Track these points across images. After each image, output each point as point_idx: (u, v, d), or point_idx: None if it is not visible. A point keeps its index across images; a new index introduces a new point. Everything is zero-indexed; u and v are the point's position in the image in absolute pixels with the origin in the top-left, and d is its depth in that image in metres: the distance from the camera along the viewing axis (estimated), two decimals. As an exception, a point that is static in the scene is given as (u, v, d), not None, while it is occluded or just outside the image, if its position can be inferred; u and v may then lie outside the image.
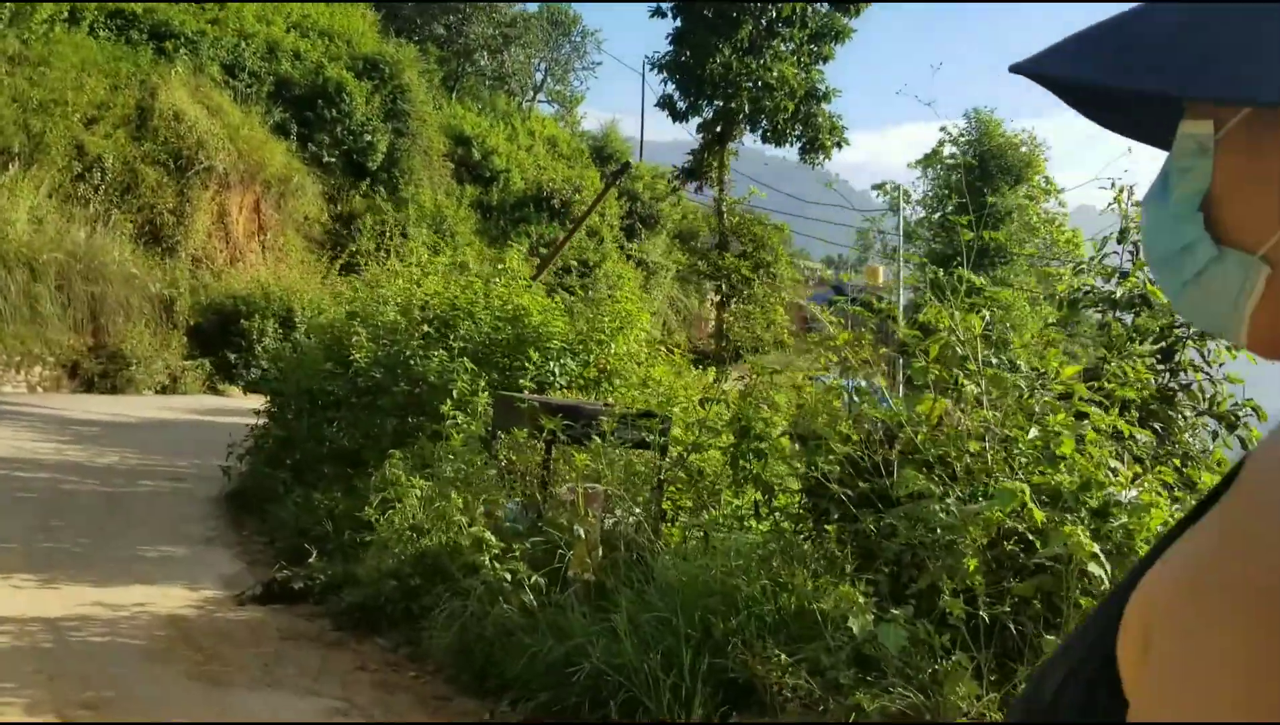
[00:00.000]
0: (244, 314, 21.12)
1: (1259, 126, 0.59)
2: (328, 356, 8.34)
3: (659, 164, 45.43)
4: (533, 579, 4.00)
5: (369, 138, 28.35)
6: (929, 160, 44.88)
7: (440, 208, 29.47)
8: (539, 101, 47.36)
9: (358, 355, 7.02)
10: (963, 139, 23.77)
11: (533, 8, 43.52)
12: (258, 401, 19.64)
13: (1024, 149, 24.67)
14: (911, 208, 45.07)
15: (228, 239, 24.58)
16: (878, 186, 54.71)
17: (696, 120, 16.12)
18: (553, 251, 20.46)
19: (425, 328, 7.17)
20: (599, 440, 4.66)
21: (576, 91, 49.33)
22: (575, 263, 32.55)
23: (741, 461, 4.68)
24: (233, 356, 20.71)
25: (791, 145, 15.77)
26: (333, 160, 28.00)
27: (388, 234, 28.08)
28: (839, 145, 17.60)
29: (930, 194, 46.63)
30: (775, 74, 15.01)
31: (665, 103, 16.24)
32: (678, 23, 15.68)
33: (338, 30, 30.83)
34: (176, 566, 6.42)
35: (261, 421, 9.71)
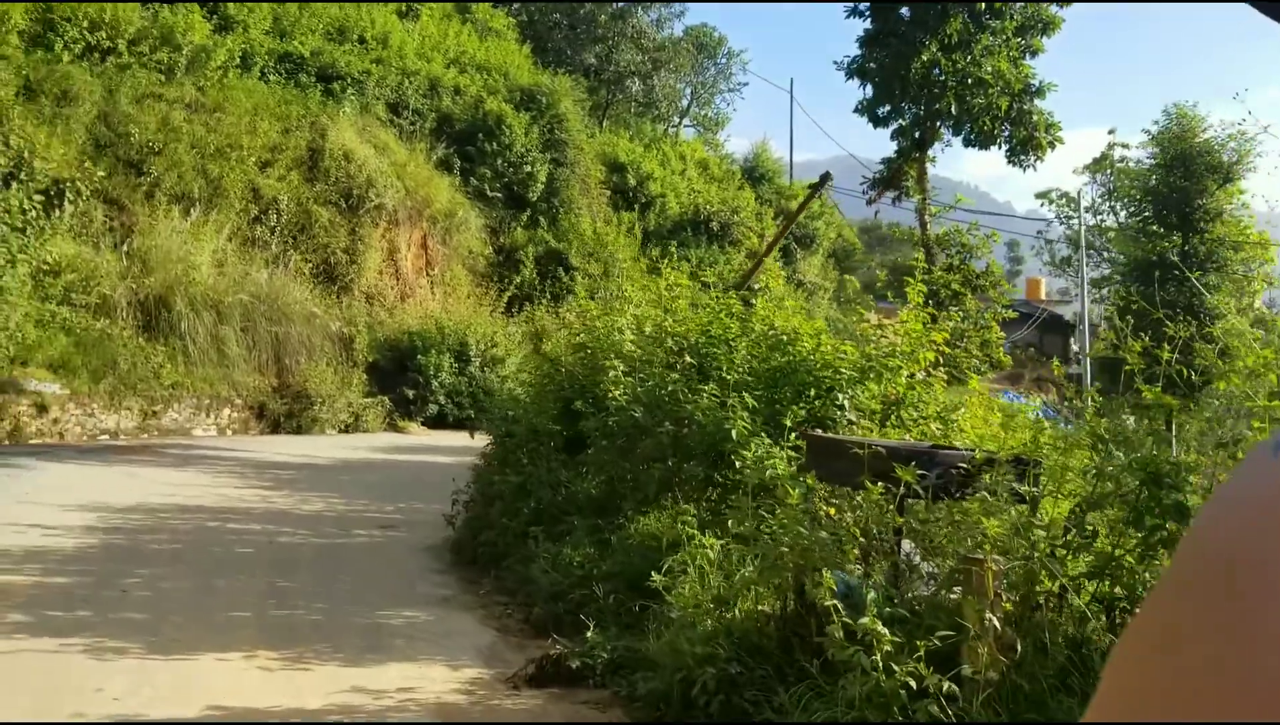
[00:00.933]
0: (419, 349, 20.98)
1: None
2: (559, 395, 7.66)
3: (803, 181, 44.36)
4: (945, 687, 3.12)
5: (529, 168, 28.22)
6: (1099, 165, 42.47)
7: (600, 236, 29.07)
8: (685, 126, 46.98)
9: (614, 392, 6.27)
10: (1163, 136, 21.95)
11: (679, 32, 43.21)
12: (439, 437, 19.69)
13: (1231, 145, 22.64)
14: (1079, 215, 42.81)
15: (397, 275, 24.65)
16: (1042, 195, 52.05)
17: (891, 126, 15.10)
18: (757, 261, 19.61)
19: (685, 359, 6.37)
20: (989, 496, 3.76)
21: (722, 114, 48.77)
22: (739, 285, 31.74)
23: (1151, 519, 3.72)
24: (410, 392, 20.57)
25: (1000, 147, 14.57)
26: (494, 193, 27.94)
27: (549, 265, 27.83)
28: (1053, 144, 16.26)
29: (1100, 201, 44.17)
30: (988, 69, 13.88)
31: (864, 108, 15.21)
32: (868, 24, 14.72)
33: (494, 64, 30.94)
34: (424, 636, 5.78)
35: (477, 463, 9.13)
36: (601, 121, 36.32)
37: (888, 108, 14.93)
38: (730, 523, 5.19)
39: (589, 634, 4.98)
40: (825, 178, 17.24)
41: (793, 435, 5.36)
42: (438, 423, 20.85)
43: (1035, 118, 15.30)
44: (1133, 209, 25.75)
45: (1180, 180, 21.58)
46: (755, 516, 4.75)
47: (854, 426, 5.83)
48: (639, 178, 33.19)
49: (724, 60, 46.22)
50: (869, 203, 15.52)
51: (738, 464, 5.41)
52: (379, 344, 21.29)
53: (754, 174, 39.83)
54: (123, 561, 7.28)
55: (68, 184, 15.86)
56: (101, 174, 17.03)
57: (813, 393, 5.93)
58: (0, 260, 14.18)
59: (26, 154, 14.93)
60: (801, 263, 37.94)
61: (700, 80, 45.64)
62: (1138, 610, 0.53)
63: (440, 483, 12.58)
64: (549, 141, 29.30)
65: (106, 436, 15.37)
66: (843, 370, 5.77)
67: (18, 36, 18.65)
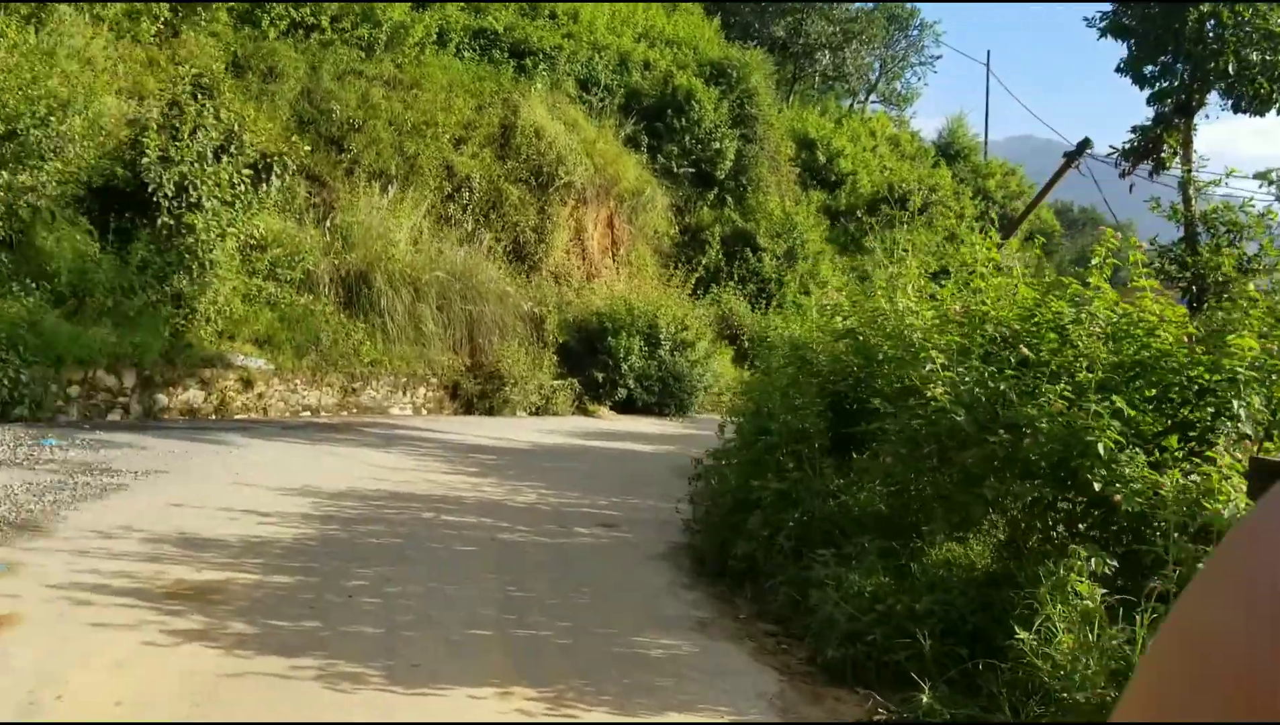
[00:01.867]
0: (608, 331, 20.36)
1: None
2: (823, 389, 6.70)
3: (998, 158, 41.90)
4: None
5: (717, 145, 27.27)
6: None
7: (789, 215, 27.90)
8: (872, 101, 45.14)
9: (934, 390, 5.20)
10: None
11: (870, 5, 41.37)
12: (631, 423, 19.07)
13: None
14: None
15: (584, 255, 24.15)
16: (1261, 175, 48.41)
17: (1150, 90, 13.42)
18: (1014, 225, 18.22)
19: (1020, 350, 5.22)
20: None
21: (911, 89, 46.63)
22: (939, 269, 30.03)
23: None
24: (599, 375, 19.99)
25: (1278, 111, 12.78)
26: (681, 170, 27.12)
27: (736, 245, 26.86)
28: None
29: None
30: (1277, 20, 12.11)
31: (1128, 65, 13.58)
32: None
33: (683, 38, 30.08)
34: (693, 674, 4.94)
35: (703, 459, 8.28)
36: (789, 96, 35.02)
37: (1155, 67, 13.27)
38: (1094, 562, 4.14)
39: (924, 696, 4.02)
40: (1084, 145, 15.62)
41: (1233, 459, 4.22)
42: (627, 407, 20.22)
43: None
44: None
45: None
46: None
47: (1251, 443, 4.67)
48: (829, 154, 31.84)
49: (916, 32, 44.06)
50: (1123, 175, 13.93)
51: (1096, 486, 4.34)
52: (568, 325, 20.79)
53: (949, 151, 37.79)
54: (344, 558, 6.73)
55: (274, 158, 15.81)
56: (307, 148, 16.96)
57: (1177, 397, 4.78)
58: (211, 233, 14.15)
59: (236, 127, 14.89)
60: (969, 249, 35.79)
61: (890, 54, 43.65)
62: (1172, 608, 0.53)
63: (649, 474, 11.88)
64: (738, 117, 28.28)
65: (308, 413, 15.28)
66: (1239, 370, 4.59)
67: (226, 13, 18.85)
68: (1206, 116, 14.60)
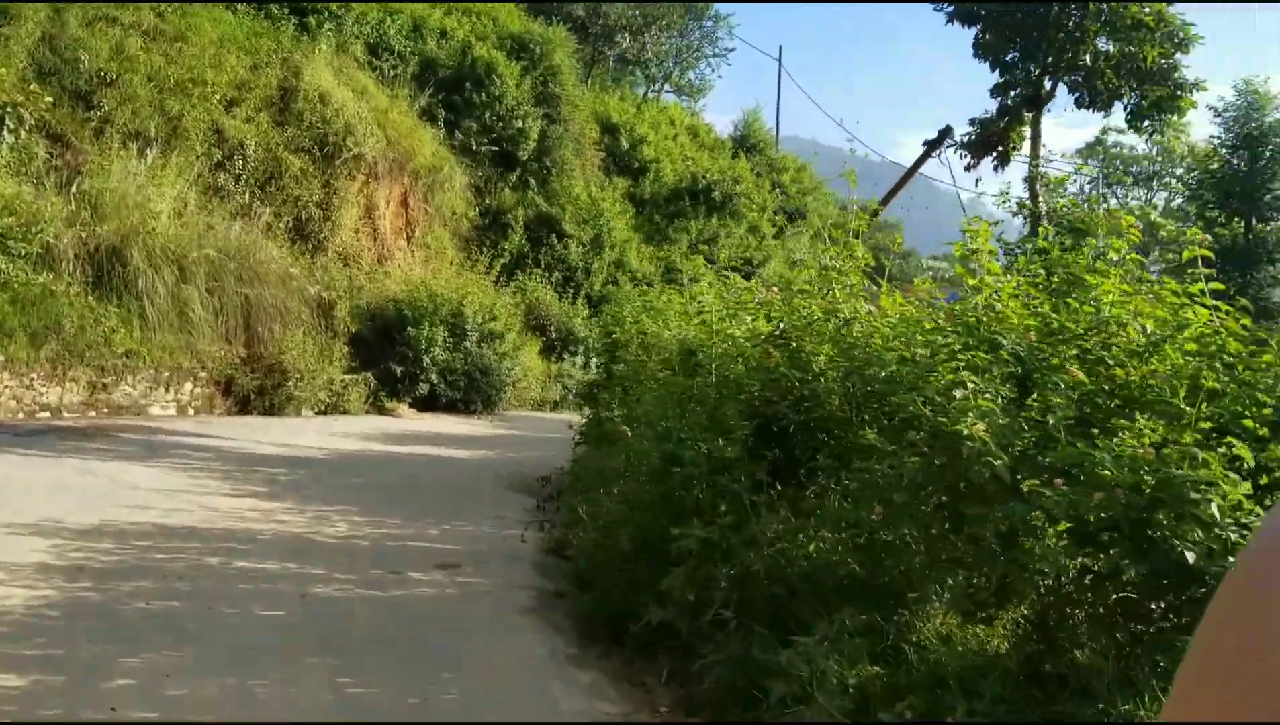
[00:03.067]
0: (408, 320, 18.40)
1: None
2: (751, 406, 5.27)
3: (792, 153, 42.13)
4: None
5: (519, 124, 25.58)
6: (1092, 151, 40.95)
7: (596, 201, 26.58)
8: (666, 91, 44.44)
9: (975, 430, 3.78)
10: (1227, 114, 20.03)
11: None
12: (437, 423, 17.11)
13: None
14: (1064, 199, 41.29)
15: (375, 235, 21.97)
16: (1002, 194, 50.58)
17: (999, 80, 12.87)
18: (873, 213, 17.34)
19: (1076, 372, 3.94)
20: None
21: (706, 80, 46.36)
22: (740, 262, 29.46)
23: None
24: (398, 369, 18.01)
25: (1127, 105, 12.45)
26: (481, 149, 25.28)
27: (540, 230, 25.29)
28: (1193, 105, 14.07)
29: (1090, 187, 42.64)
30: (1146, 9, 11.66)
31: (984, 49, 12.93)
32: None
33: (482, 9, 28.14)
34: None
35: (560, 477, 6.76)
36: (588, 79, 33.68)
37: (1017, 51, 12.72)
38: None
39: None
40: (945, 133, 15.00)
41: None
42: (429, 404, 18.34)
43: (1177, 73, 13.14)
44: (1189, 193, 23.88)
45: (1247, 162, 19.74)
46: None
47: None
48: (632, 141, 30.72)
49: (710, 23, 43.66)
50: (967, 169, 13.43)
51: (1191, 556, 3.15)
52: (361, 312, 18.67)
53: (745, 144, 37.47)
54: (101, 637, 4.83)
55: (7, 110, 13.07)
56: (49, 99, 14.20)
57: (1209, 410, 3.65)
58: (-82, 195, 11.39)
59: (-46, 67, 12.11)
60: (790, 240, 35.69)
61: (685, 43, 43.06)
62: (1208, 609, 0.52)
63: (473, 488, 10.21)
64: (541, 96, 26.67)
65: (47, 414, 12.70)
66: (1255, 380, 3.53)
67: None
68: (1049, 110, 14.28)
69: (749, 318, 6.30)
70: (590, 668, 4.99)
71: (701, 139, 36.25)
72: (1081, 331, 4.20)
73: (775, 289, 5.60)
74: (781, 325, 5.14)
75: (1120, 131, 34.15)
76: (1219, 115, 20.70)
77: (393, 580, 6.43)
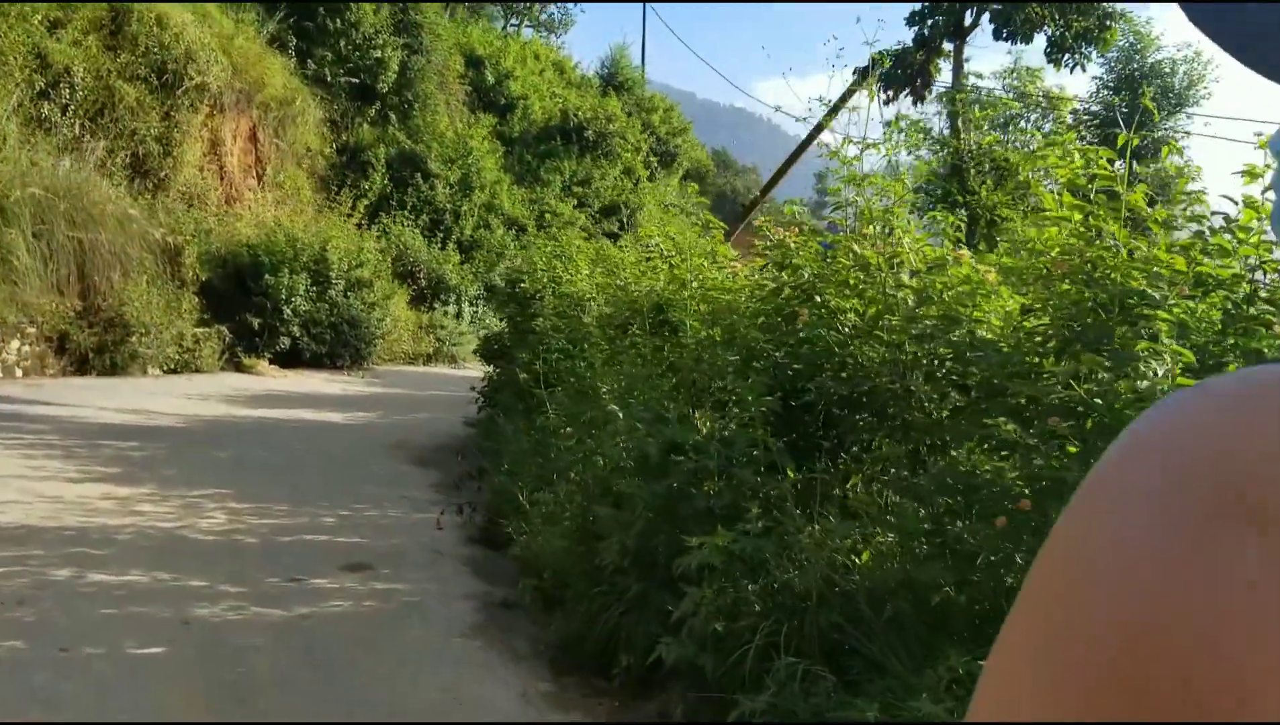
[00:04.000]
0: (265, 267, 16.72)
1: None
2: (778, 379, 4.24)
3: (662, 95, 41.03)
4: None
5: (378, 54, 23.73)
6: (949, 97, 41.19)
7: (462, 138, 24.99)
8: (526, 27, 42.59)
9: None
10: (1109, 54, 19.81)
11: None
12: (303, 381, 15.46)
13: (1183, 70, 20.88)
14: (926, 144, 41.55)
15: (222, 173, 20.01)
16: (891, 122, 51.33)
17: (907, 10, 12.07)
18: (786, 165, 16.33)
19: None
20: None
21: (567, 15, 44.68)
22: (616, 204, 28.38)
23: None
24: (255, 321, 16.35)
25: (1051, 32, 11.79)
26: (337, 80, 23.37)
27: (404, 170, 23.62)
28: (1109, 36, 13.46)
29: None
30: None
31: None
32: None
33: (335, -74, 25.87)
34: None
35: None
36: (447, 10, 31.73)
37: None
38: None
39: None
40: (877, 61, 14.01)
41: None
42: (292, 359, 16.78)
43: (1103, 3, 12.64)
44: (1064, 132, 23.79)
45: (1127, 104, 19.67)
46: None
47: None
48: (498, 75, 29.09)
49: (572, -46, 41.92)
50: (887, 102, 12.69)
51: None
52: (212, 259, 16.87)
53: (613, 82, 36.15)
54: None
55: None
56: None
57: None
58: None
59: None
60: (660, 182, 34.71)
61: (545, -25, 41.28)
62: (1016, 602, 0.49)
63: (361, 461, 9.01)
64: (401, 24, 24.78)
65: None
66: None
67: None
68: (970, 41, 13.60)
69: (728, 266, 5.31)
70: (574, 709, 3.97)
71: (569, 76, 34.79)
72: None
73: (795, 228, 4.59)
74: (807, 274, 4.16)
75: (980, 76, 34.16)
76: (1102, 55, 20.54)
77: (293, 592, 5.25)
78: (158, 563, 5.52)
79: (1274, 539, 0.42)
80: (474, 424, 11.32)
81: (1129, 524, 0.45)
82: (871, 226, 4.26)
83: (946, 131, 12.15)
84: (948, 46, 12.91)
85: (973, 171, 11.70)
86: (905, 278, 3.89)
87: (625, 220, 27.32)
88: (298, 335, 16.70)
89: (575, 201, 27.30)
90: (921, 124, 11.66)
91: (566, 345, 7.01)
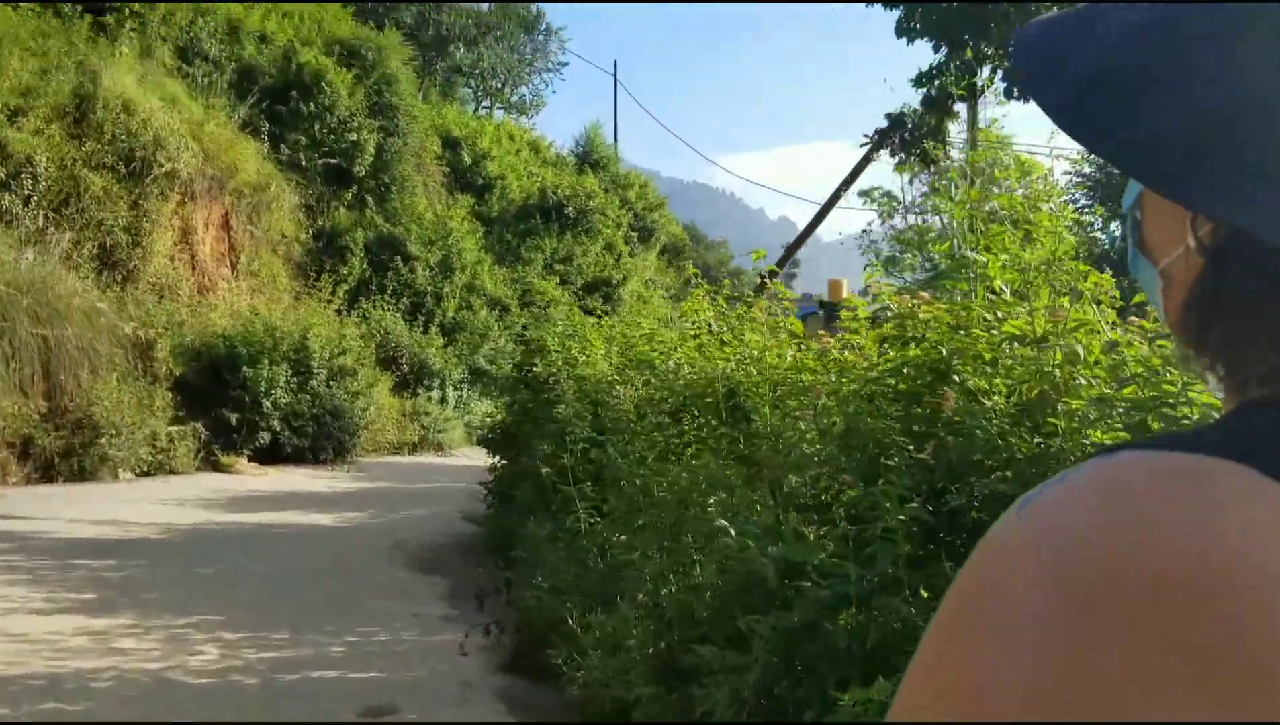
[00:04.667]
0: (242, 358, 15.87)
1: None
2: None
3: (635, 168, 40.81)
4: None
5: (353, 136, 23.20)
6: (923, 163, 41.25)
7: (442, 220, 24.39)
8: (498, 109, 42.40)
9: None
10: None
11: (488, 5, 38.54)
12: (286, 479, 14.40)
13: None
14: (899, 215, 41.59)
15: (194, 263, 19.25)
16: (864, 193, 50.97)
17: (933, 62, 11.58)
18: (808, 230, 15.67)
19: None
20: None
21: (540, 96, 44.53)
22: (599, 281, 27.78)
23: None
24: (232, 416, 15.45)
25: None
26: (311, 164, 22.77)
27: (382, 254, 22.94)
28: None
29: (923, 200, 43.06)
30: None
31: (910, 32, 11.53)
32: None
33: (305, 9, 25.48)
34: None
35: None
36: (422, 89, 31.40)
37: (941, 42, 11.40)
38: None
39: None
40: (898, 122, 13.45)
41: None
42: (272, 455, 15.85)
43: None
44: (1064, 197, 23.58)
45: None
46: None
47: None
48: (475, 156, 28.65)
49: (543, 35, 41.95)
50: (897, 169, 12.11)
51: None
52: (185, 352, 16.01)
53: (588, 160, 35.82)
54: None
55: None
56: None
57: None
58: None
59: None
60: (638, 258, 34.21)
61: (517, 57, 41.18)
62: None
63: (362, 570, 8.13)
64: (376, 106, 24.30)
65: None
66: None
67: None
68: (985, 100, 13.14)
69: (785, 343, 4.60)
70: None
71: (544, 155, 34.45)
72: None
73: (924, 294, 3.88)
74: (945, 351, 3.43)
75: (950, 145, 34.12)
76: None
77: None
78: (146, 714, 4.63)
79: (1147, 631, 0.46)
80: (476, 520, 10.47)
81: (1002, 647, 0.48)
82: (1009, 285, 3.56)
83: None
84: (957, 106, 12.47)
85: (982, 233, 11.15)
86: (1079, 351, 3.17)
87: (609, 296, 26.68)
88: (278, 429, 15.79)
89: (558, 279, 26.70)
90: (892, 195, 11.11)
91: (596, 435, 6.24)
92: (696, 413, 5.11)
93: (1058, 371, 3.23)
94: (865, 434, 3.47)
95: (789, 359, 4.73)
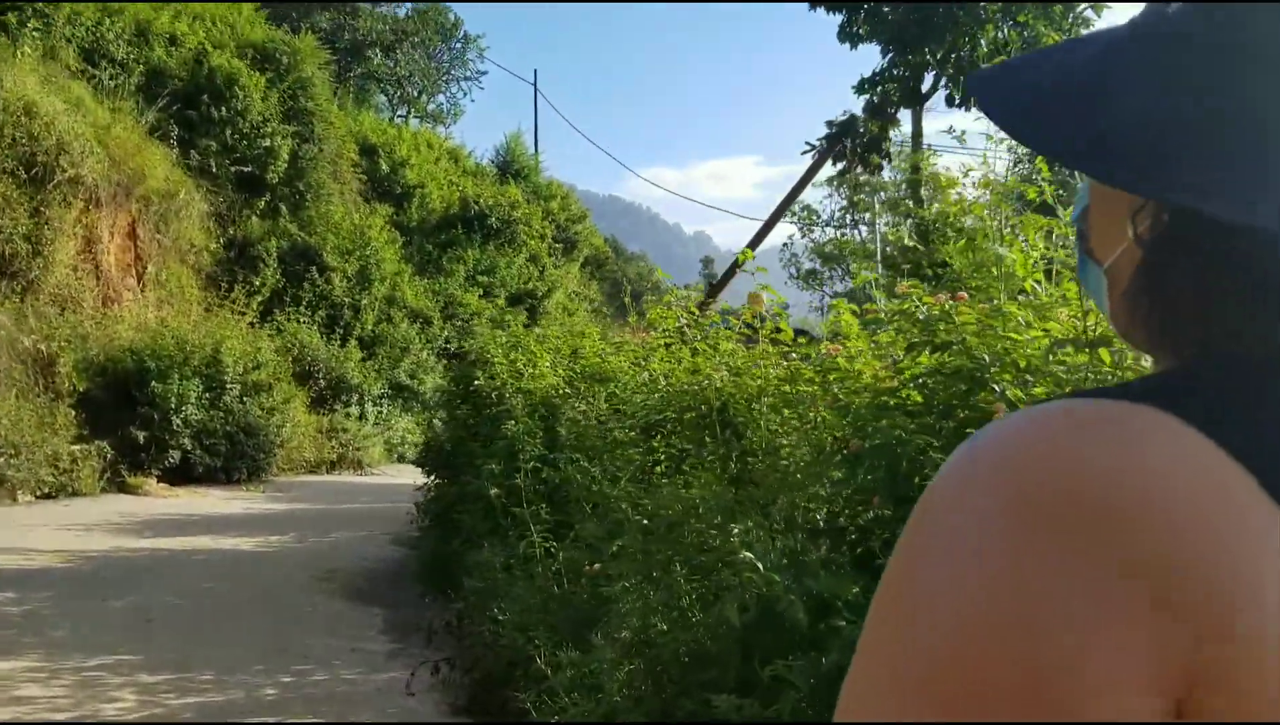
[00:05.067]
0: (151, 373, 15.06)
1: None
2: None
3: (556, 179, 40.36)
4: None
5: (267, 142, 22.36)
6: (843, 178, 41.75)
7: (360, 229, 23.65)
8: (413, 117, 41.58)
9: None
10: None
11: (404, 10, 37.80)
12: (201, 501, 13.67)
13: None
14: (819, 228, 41.92)
15: (98, 273, 18.31)
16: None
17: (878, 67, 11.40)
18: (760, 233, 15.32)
19: None
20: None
21: (458, 104, 43.82)
22: (524, 292, 27.28)
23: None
24: (140, 435, 14.63)
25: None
26: (223, 171, 21.90)
27: (297, 264, 22.14)
28: None
29: (843, 213, 43.38)
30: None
31: (848, 33, 11.31)
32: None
33: (216, 10, 24.52)
34: None
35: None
36: (337, 96, 30.56)
37: (888, 37, 11.19)
38: None
39: None
40: (848, 125, 13.11)
41: None
42: (183, 475, 15.05)
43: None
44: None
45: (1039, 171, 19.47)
46: None
47: None
48: (393, 163, 27.95)
49: (459, 44, 41.27)
50: (844, 173, 11.87)
51: None
52: (90, 366, 15.14)
53: (509, 169, 35.27)
54: None
55: None
56: None
57: None
58: None
59: None
60: (560, 270, 33.73)
61: (434, 65, 40.44)
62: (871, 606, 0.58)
63: (291, 602, 7.59)
64: (291, 112, 23.49)
65: None
66: None
67: None
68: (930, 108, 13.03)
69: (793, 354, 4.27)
70: None
71: (463, 165, 33.81)
72: None
73: (963, 293, 3.56)
74: (983, 357, 3.12)
75: (959, 136, 34.39)
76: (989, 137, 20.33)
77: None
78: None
79: (1090, 547, 0.50)
80: (408, 544, 9.97)
81: (962, 539, 0.52)
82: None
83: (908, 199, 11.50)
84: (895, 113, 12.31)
85: (937, 240, 11.01)
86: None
87: (534, 308, 26.21)
88: (189, 448, 15.00)
89: (481, 291, 26.12)
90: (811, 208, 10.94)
91: (547, 453, 5.85)
92: (670, 429, 4.75)
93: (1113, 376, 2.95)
94: (895, 450, 3.15)
95: (777, 370, 4.41)
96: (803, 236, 47.60)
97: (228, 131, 21.88)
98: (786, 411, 4.14)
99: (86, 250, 18.06)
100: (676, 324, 5.51)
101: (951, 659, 0.49)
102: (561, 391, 7.01)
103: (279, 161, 22.63)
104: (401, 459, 21.36)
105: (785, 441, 4.03)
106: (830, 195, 42.31)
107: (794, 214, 45.06)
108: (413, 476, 17.86)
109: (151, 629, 6.54)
